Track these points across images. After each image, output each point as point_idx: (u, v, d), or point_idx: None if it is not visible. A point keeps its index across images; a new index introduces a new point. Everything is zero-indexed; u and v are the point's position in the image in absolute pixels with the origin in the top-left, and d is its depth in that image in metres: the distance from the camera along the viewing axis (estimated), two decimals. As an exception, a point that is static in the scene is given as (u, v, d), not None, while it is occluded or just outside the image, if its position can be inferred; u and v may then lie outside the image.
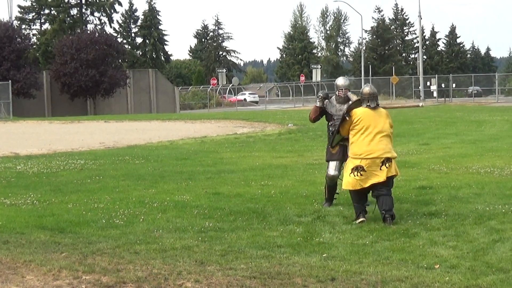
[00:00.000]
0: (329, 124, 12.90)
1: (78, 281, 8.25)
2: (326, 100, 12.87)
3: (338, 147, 12.59)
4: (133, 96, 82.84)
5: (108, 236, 10.68)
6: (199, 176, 17.47)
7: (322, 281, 8.07)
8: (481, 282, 7.89)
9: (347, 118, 11.75)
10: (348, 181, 11.63)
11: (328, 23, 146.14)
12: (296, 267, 8.65)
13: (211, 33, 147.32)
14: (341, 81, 13.05)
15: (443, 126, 34.30)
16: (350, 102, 12.13)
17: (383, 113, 11.85)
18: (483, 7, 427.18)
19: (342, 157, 12.53)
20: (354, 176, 11.51)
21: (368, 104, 11.79)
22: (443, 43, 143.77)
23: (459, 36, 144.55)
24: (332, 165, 12.75)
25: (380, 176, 11.46)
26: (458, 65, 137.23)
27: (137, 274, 8.42)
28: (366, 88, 11.93)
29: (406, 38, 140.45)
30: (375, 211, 11.75)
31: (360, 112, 11.73)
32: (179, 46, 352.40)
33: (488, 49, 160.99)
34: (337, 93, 12.87)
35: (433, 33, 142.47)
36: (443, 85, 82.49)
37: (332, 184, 12.84)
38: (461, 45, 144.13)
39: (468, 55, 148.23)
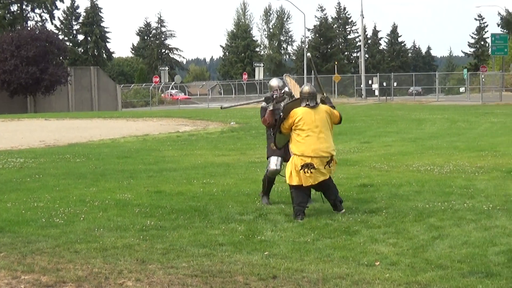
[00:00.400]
0: None
1: (17, 281, 8.15)
2: (274, 101, 12.88)
3: None
4: (74, 93, 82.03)
5: (48, 235, 10.56)
6: (140, 175, 17.38)
7: (263, 279, 8.08)
8: (421, 278, 7.97)
9: (281, 115, 11.90)
10: (297, 177, 11.76)
11: (271, 21, 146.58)
12: (238, 265, 8.65)
13: (153, 31, 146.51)
14: (274, 82, 13.18)
15: (384, 125, 34.59)
16: (287, 101, 12.22)
17: (323, 110, 12.04)
18: (424, 7, 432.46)
19: (284, 154, 12.72)
20: (305, 173, 11.69)
21: (307, 103, 11.95)
22: (385, 42, 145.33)
23: (401, 35, 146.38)
24: (274, 159, 12.90)
25: (326, 174, 11.82)
26: (400, 64, 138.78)
27: (77, 274, 8.34)
28: (306, 88, 12.09)
29: (349, 36, 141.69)
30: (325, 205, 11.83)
31: (301, 112, 11.87)
32: (121, 44, 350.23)
33: (429, 48, 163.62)
34: (271, 93, 12.99)
35: (375, 32, 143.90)
36: (384, 84, 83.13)
37: (273, 178, 12.99)
38: (402, 44, 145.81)
39: (409, 54, 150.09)
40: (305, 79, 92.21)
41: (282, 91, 12.79)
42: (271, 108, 12.68)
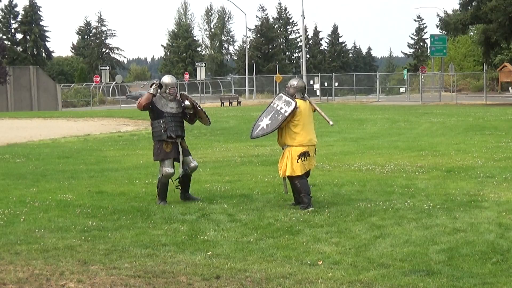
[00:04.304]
0: (161, 121, 13.08)
1: (-45, 283, 8.02)
2: (158, 92, 13.15)
3: (172, 145, 13.06)
4: (13, 93, 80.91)
5: (-13, 236, 10.41)
6: (82, 175, 17.22)
7: (207, 279, 8.07)
8: (363, 277, 8.03)
9: (297, 108, 12.24)
10: (297, 167, 12.27)
11: (212, 21, 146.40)
12: (181, 266, 8.62)
13: (94, 30, 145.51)
14: (167, 79, 13.44)
15: (326, 124, 34.61)
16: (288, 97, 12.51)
17: (308, 103, 12.63)
18: (365, 8, 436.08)
19: (178, 155, 13.11)
20: (302, 161, 12.27)
21: (302, 96, 12.54)
22: (326, 42, 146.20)
23: (341, 36, 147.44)
24: (168, 163, 13.11)
25: (314, 161, 12.68)
26: (341, 64, 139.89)
27: (18, 275, 8.24)
28: (300, 82, 12.73)
29: (290, 37, 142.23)
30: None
31: (299, 104, 12.35)
32: (61, 43, 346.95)
33: (369, 49, 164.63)
34: (167, 91, 13.20)
35: (316, 32, 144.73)
36: (326, 84, 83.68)
37: (167, 181, 13.12)
38: (343, 45, 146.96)
39: (350, 55, 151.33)
40: (247, 79, 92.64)
41: (183, 105, 13.28)
42: (152, 91, 13.05)
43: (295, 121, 12.26)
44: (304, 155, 12.25)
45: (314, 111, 12.77)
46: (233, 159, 20.44)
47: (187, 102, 13.23)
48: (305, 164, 12.30)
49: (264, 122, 12.53)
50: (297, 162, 12.22)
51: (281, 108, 12.32)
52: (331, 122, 12.82)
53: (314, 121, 12.72)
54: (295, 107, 12.14)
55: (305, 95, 12.65)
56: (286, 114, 12.17)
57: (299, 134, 12.27)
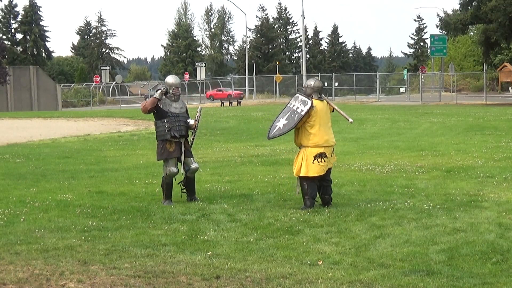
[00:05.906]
0: (165, 121, 13.09)
1: (-45, 283, 8.01)
2: (164, 96, 13.21)
3: (175, 144, 13.06)
4: (13, 93, 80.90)
5: (-12, 236, 10.40)
6: (82, 175, 17.22)
7: (207, 279, 8.07)
8: (363, 277, 8.03)
9: (313, 107, 12.22)
10: (313, 168, 12.23)
11: (212, 21, 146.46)
12: (181, 266, 8.62)
13: (94, 30, 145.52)
14: (171, 79, 13.50)
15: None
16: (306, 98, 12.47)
17: (326, 103, 12.58)
18: (364, 8, 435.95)
19: (180, 154, 13.10)
20: (319, 162, 12.23)
21: (319, 96, 12.49)
22: (326, 42, 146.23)
23: (341, 36, 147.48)
24: (172, 162, 13.12)
25: (331, 162, 12.56)
26: (341, 64, 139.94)
27: (18, 275, 8.24)
28: (316, 82, 12.65)
29: (290, 37, 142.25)
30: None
31: (315, 104, 12.32)
32: (61, 43, 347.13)
33: (369, 49, 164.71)
34: (171, 91, 13.23)
35: (316, 32, 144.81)
36: (326, 84, 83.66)
37: (171, 180, 13.14)
38: (343, 45, 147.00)
39: (350, 55, 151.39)
40: (247, 79, 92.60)
41: (188, 121, 13.35)
42: (157, 96, 13.10)
43: (311, 121, 12.24)
44: (320, 156, 12.21)
45: (333, 111, 12.75)
46: (233, 159, 20.44)
47: (191, 122, 13.25)
48: (323, 165, 12.25)
49: (281, 122, 12.54)
50: (313, 163, 12.20)
51: (297, 107, 12.33)
52: (350, 120, 12.81)
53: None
54: (311, 106, 12.14)
55: (322, 95, 12.60)
56: (303, 113, 12.17)
57: (315, 135, 12.24)
